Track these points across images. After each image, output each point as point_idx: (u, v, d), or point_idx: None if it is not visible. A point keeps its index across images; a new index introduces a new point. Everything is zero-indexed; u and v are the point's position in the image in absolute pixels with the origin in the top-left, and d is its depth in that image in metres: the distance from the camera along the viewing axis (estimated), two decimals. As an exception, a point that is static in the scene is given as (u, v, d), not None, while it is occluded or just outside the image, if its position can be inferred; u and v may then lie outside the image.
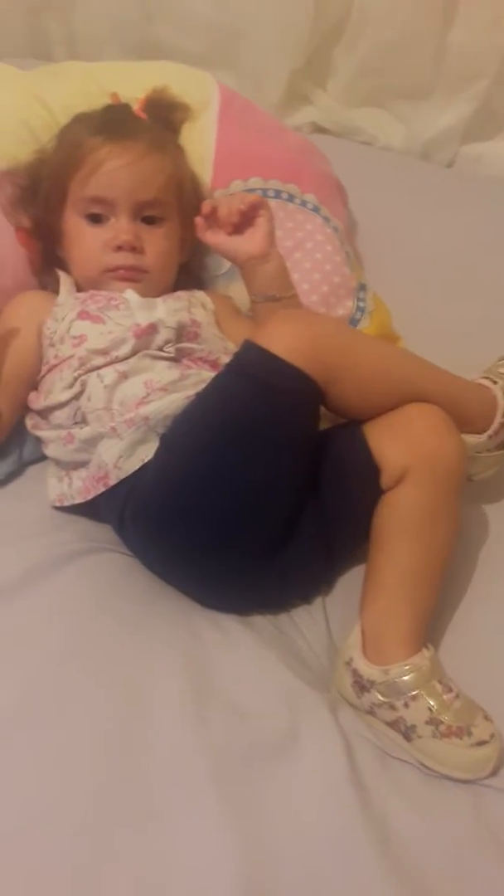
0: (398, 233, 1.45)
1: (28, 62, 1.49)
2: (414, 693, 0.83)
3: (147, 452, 0.90)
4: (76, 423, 0.97)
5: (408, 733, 0.83)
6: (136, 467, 0.90)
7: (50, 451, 0.99)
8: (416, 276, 1.39)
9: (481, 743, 0.82)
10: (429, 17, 1.58)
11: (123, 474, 0.90)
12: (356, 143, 1.71)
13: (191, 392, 0.93)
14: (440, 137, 1.70)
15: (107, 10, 1.64)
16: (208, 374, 0.95)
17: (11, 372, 1.00)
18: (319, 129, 1.71)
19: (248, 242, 1.05)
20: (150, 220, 1.05)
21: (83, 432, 0.94)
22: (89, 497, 0.93)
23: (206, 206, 1.03)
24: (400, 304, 1.29)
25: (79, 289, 1.07)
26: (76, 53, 1.70)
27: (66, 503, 0.97)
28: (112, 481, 0.91)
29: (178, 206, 1.08)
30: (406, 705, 0.83)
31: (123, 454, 0.90)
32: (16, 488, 1.01)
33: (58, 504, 0.97)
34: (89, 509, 0.96)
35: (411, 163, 1.70)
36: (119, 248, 1.03)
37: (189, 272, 1.15)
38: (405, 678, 0.84)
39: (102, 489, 0.92)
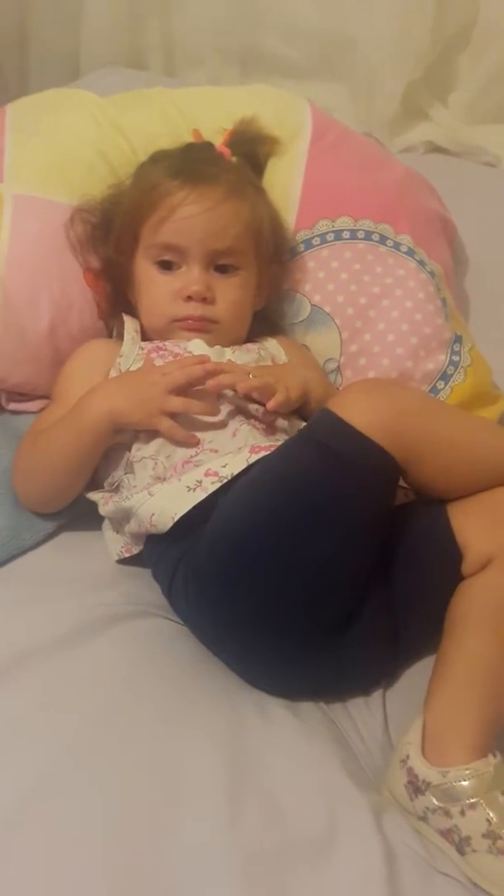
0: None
1: (120, 73, 1.63)
2: (472, 801, 0.85)
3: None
4: (126, 474, 1.07)
5: (461, 846, 0.85)
6: (169, 525, 0.98)
7: (99, 506, 1.10)
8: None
9: (544, 868, 0.82)
10: None
11: (158, 531, 0.99)
12: (478, 164, 1.75)
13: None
14: None
15: (208, 16, 1.73)
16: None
17: None
18: (437, 149, 1.76)
19: None
20: (223, 269, 1.14)
21: (124, 484, 1.05)
22: (132, 553, 1.06)
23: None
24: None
25: (144, 334, 1.17)
26: (174, 63, 1.81)
27: (115, 559, 1.08)
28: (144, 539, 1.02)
29: (254, 253, 1.16)
30: (462, 813, 0.85)
31: (156, 511, 1.00)
32: (65, 542, 1.11)
33: (116, 559, 1.08)
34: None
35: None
36: (189, 299, 1.12)
37: (266, 319, 1.24)
38: (464, 783, 0.85)
39: (136, 551, 1.04)
